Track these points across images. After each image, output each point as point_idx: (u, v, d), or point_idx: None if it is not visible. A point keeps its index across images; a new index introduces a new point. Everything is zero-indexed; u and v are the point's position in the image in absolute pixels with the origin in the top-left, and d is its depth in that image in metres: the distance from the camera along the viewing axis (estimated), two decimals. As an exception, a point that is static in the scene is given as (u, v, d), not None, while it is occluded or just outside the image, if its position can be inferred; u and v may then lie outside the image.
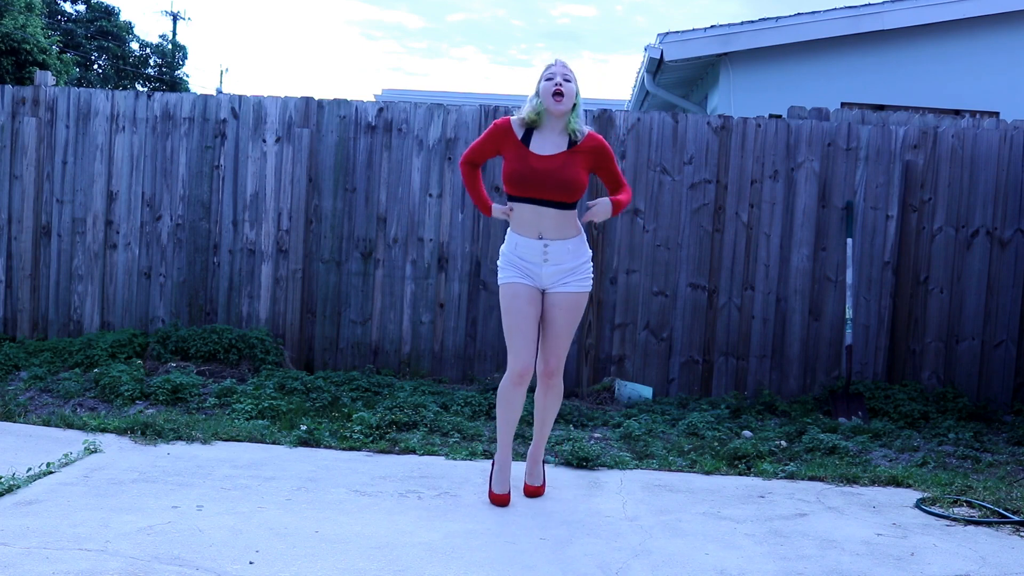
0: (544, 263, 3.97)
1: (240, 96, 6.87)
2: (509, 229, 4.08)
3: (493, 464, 4.21)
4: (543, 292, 4.04)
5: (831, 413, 6.23)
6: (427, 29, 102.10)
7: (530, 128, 3.97)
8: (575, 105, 3.95)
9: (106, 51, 26.99)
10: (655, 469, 4.98)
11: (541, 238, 3.95)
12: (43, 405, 5.78)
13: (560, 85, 3.88)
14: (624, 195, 4.07)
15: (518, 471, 4.47)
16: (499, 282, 4.07)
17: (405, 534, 3.66)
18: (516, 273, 4.01)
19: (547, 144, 3.95)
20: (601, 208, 3.97)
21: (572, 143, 3.94)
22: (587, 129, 4.02)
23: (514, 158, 3.94)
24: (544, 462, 4.42)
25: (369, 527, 3.73)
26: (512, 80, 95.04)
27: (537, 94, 3.95)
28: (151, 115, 6.85)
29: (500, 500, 4.09)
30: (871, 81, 8.64)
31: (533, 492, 4.23)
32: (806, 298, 6.58)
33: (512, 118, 4.01)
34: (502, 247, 4.11)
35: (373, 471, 4.65)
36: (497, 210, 4.08)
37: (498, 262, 4.10)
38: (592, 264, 4.11)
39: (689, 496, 4.34)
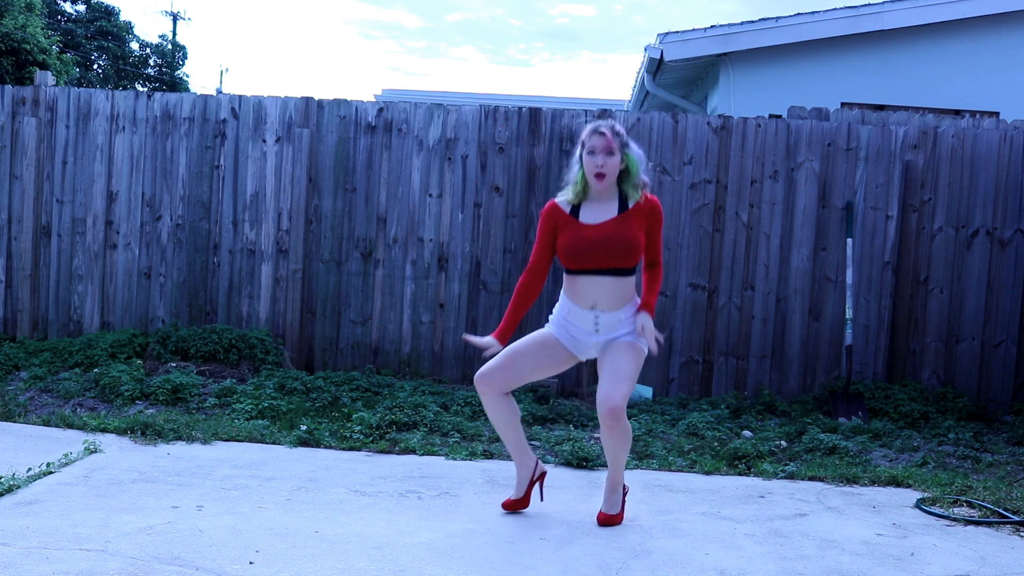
0: (595, 333, 3.86)
1: (240, 96, 6.87)
2: (562, 293, 3.92)
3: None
4: (581, 359, 3.97)
5: (831, 413, 6.23)
6: (426, 29, 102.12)
7: (577, 202, 3.86)
8: (629, 172, 3.80)
9: (106, 51, 26.99)
10: (655, 469, 4.98)
11: (594, 308, 3.83)
12: (43, 405, 5.78)
13: (602, 166, 3.74)
14: (657, 282, 3.92)
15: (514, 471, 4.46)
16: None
17: (405, 534, 3.66)
18: (560, 331, 3.92)
19: (597, 212, 3.82)
20: (648, 325, 3.82)
21: (624, 206, 3.81)
22: (644, 191, 3.86)
23: (567, 235, 3.82)
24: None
25: (369, 527, 3.73)
26: (511, 80, 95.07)
27: (580, 163, 3.80)
28: (151, 115, 6.85)
29: (503, 505, 4.07)
30: (871, 81, 8.64)
31: (602, 520, 3.92)
32: (806, 298, 6.58)
33: (556, 200, 3.88)
34: (555, 307, 3.98)
35: (373, 471, 4.65)
36: (484, 343, 3.91)
37: (549, 317, 4.01)
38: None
39: (689, 496, 4.34)
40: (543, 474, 4.11)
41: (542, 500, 4.12)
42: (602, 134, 3.74)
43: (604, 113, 6.65)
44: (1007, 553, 3.73)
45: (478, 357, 6.68)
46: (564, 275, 3.89)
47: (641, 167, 3.83)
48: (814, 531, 3.95)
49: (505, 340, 3.90)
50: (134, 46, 28.84)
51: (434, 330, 6.73)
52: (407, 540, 3.58)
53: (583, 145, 3.81)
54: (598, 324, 3.84)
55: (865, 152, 6.56)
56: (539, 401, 6.17)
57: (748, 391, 6.58)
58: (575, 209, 3.86)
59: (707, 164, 6.59)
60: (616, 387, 3.73)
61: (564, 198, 3.89)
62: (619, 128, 3.80)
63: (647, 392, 6.48)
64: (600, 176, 3.76)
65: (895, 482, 4.83)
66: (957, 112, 7.93)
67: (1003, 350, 6.56)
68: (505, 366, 3.93)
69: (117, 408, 5.70)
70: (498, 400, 3.96)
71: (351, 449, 5.11)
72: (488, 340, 3.89)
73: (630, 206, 3.82)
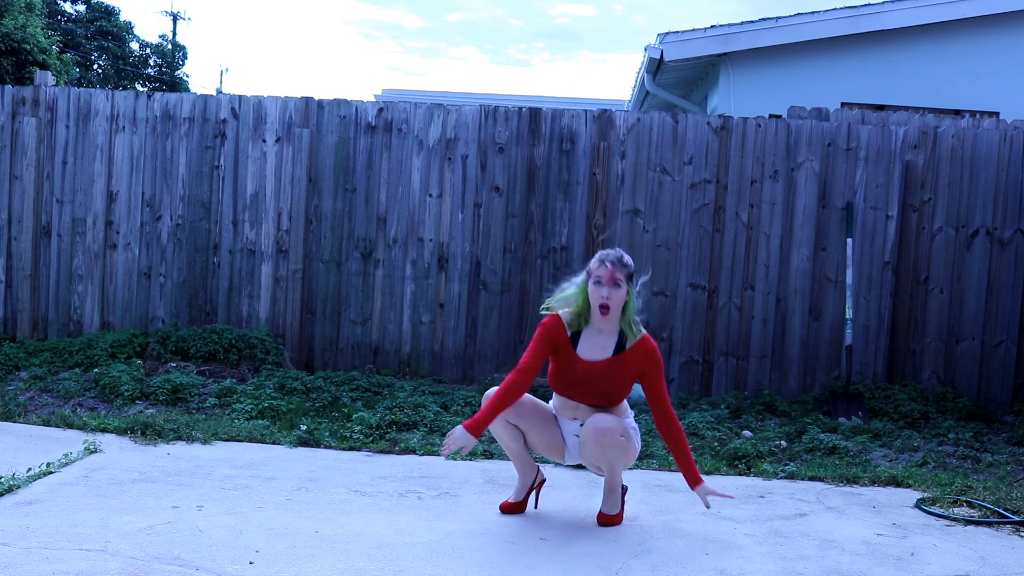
0: (576, 436, 3.88)
1: (240, 96, 6.87)
2: (553, 401, 3.98)
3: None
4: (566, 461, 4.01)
5: (831, 413, 6.23)
6: (425, 29, 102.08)
7: (577, 328, 3.83)
8: (627, 306, 3.75)
9: (106, 51, 26.98)
10: (655, 469, 4.99)
11: (575, 419, 3.88)
12: (43, 405, 5.78)
13: (607, 298, 3.70)
14: (683, 442, 3.81)
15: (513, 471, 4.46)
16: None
17: (405, 534, 3.66)
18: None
19: (594, 347, 3.79)
20: (710, 494, 3.78)
21: (620, 346, 3.78)
22: (641, 332, 3.81)
23: (560, 360, 3.81)
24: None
25: (369, 527, 3.73)
26: (511, 80, 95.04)
27: (584, 289, 3.77)
28: (151, 115, 6.85)
29: (501, 507, 4.08)
30: (871, 81, 8.64)
31: (602, 520, 3.92)
32: (806, 298, 6.58)
33: (561, 313, 3.83)
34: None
35: (373, 471, 4.65)
36: (456, 443, 3.67)
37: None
38: (636, 427, 3.94)
39: (689, 496, 4.34)
40: (543, 481, 4.12)
41: (536, 507, 4.11)
42: (611, 265, 3.70)
43: (604, 113, 6.65)
44: (1007, 553, 3.73)
45: (478, 357, 6.71)
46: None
47: (637, 303, 3.79)
48: (814, 531, 3.95)
49: (479, 434, 3.68)
50: (134, 46, 28.84)
51: (434, 330, 6.73)
52: (407, 540, 3.58)
53: (589, 273, 3.76)
54: (583, 429, 3.86)
55: (865, 152, 6.56)
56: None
57: (748, 391, 6.58)
58: (575, 336, 3.82)
59: (707, 164, 6.59)
60: (601, 418, 3.76)
61: (566, 315, 3.83)
62: (627, 259, 3.77)
63: (647, 392, 6.47)
64: (604, 308, 3.72)
65: (895, 482, 4.83)
66: (957, 112, 7.93)
67: (1003, 350, 6.56)
68: (516, 402, 3.87)
69: (117, 408, 5.70)
70: (501, 424, 3.92)
71: (351, 449, 5.11)
72: (460, 434, 3.66)
73: (627, 346, 3.78)
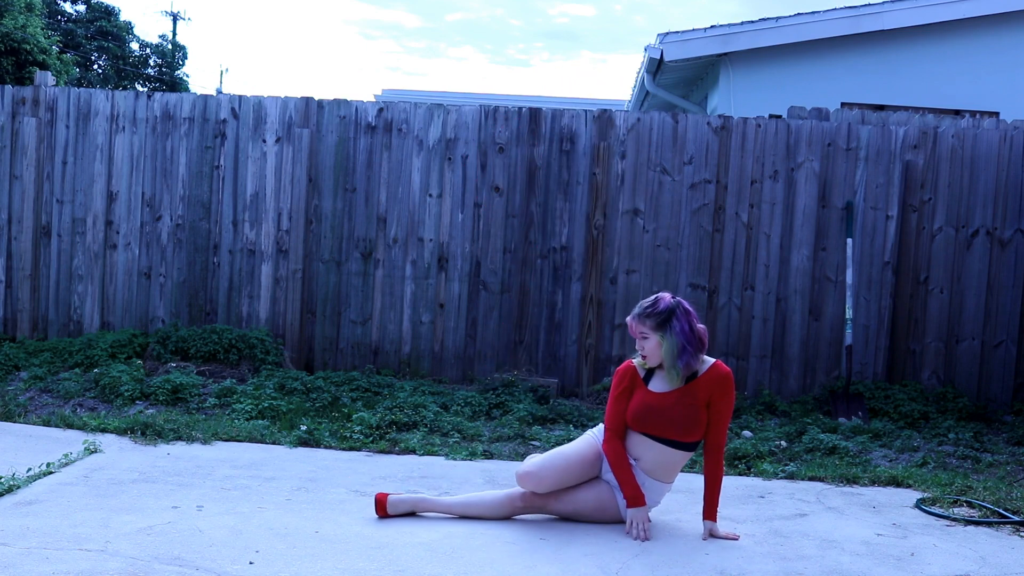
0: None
1: (240, 96, 6.88)
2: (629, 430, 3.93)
3: None
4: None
5: (831, 413, 6.23)
6: (425, 29, 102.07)
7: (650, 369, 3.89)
8: (664, 351, 3.75)
9: (106, 51, 26.98)
10: (655, 469, 4.97)
11: (636, 461, 3.84)
12: (43, 405, 5.78)
13: (642, 351, 3.79)
14: (719, 476, 3.80)
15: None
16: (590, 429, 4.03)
17: (405, 534, 3.66)
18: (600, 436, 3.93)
19: (665, 381, 3.83)
20: (716, 533, 3.78)
21: (692, 376, 3.78)
22: (710, 361, 3.82)
23: (635, 398, 3.85)
24: None
25: (369, 527, 3.73)
26: (511, 80, 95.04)
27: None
28: (151, 115, 6.86)
29: None
30: (871, 81, 8.64)
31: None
32: (806, 298, 6.58)
33: (633, 361, 3.91)
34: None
35: (373, 471, 4.65)
36: (643, 520, 3.78)
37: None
38: (656, 501, 3.92)
39: (689, 496, 4.34)
40: None
41: None
42: (632, 321, 3.78)
43: (604, 113, 6.65)
44: (1007, 553, 3.72)
45: (478, 357, 6.71)
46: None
47: (678, 349, 3.73)
48: (814, 531, 3.94)
49: (644, 501, 3.79)
50: (134, 46, 28.84)
51: (434, 330, 6.73)
52: (407, 540, 3.58)
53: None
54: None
55: (865, 152, 6.56)
56: (539, 401, 6.17)
57: (748, 391, 6.58)
58: (649, 374, 3.88)
59: (707, 164, 6.59)
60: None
61: (638, 359, 3.91)
62: (651, 308, 3.77)
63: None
64: (645, 359, 3.81)
65: (895, 482, 4.83)
66: (957, 112, 7.93)
67: (1003, 350, 6.56)
68: (560, 477, 3.85)
69: (117, 408, 5.70)
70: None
71: (351, 449, 5.11)
72: (635, 512, 3.77)
73: (699, 375, 3.78)
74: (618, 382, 3.89)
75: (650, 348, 3.77)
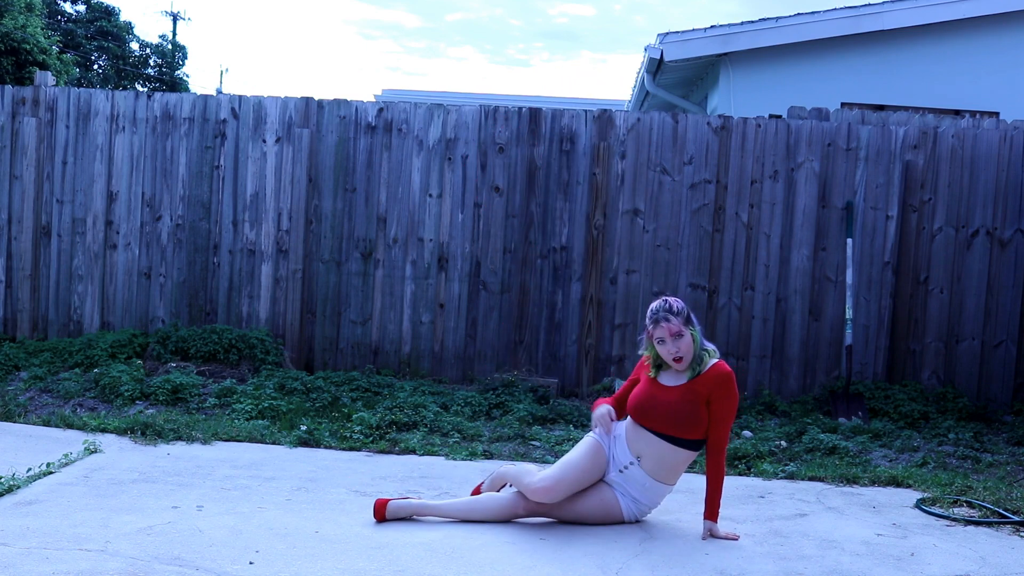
0: (619, 473, 3.88)
1: (240, 96, 6.88)
2: (625, 425, 3.96)
3: None
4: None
5: (831, 413, 6.23)
6: (425, 29, 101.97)
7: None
8: (695, 345, 3.83)
9: (106, 51, 26.99)
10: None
11: (637, 457, 3.85)
12: (43, 405, 5.78)
13: (678, 351, 3.80)
14: (720, 477, 3.82)
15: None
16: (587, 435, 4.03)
17: (405, 534, 3.66)
18: (604, 439, 3.93)
19: (675, 376, 3.88)
20: (716, 533, 3.80)
21: (696, 373, 3.84)
22: (714, 360, 3.86)
23: (643, 387, 3.92)
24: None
25: (369, 527, 3.73)
26: (511, 80, 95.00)
27: (654, 351, 3.89)
28: (151, 115, 6.86)
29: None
30: (871, 81, 8.64)
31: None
32: (806, 298, 6.58)
33: (648, 357, 3.99)
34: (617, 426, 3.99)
35: (373, 471, 4.65)
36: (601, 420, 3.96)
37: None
38: (656, 502, 3.97)
39: (689, 496, 4.34)
40: None
41: None
42: (666, 324, 3.79)
43: (604, 113, 6.65)
44: (1007, 553, 3.73)
45: (478, 357, 6.71)
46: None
47: (700, 334, 3.87)
48: (814, 531, 3.95)
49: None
50: (134, 46, 28.86)
51: (434, 330, 6.73)
52: (407, 540, 3.58)
53: (649, 336, 3.87)
54: (627, 470, 3.87)
55: (865, 152, 6.56)
56: (539, 401, 6.17)
57: (748, 391, 6.58)
58: (657, 371, 3.95)
59: (707, 164, 6.59)
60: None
61: (650, 360, 3.98)
62: (677, 307, 3.83)
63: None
64: (679, 360, 3.82)
65: (895, 482, 4.83)
66: (957, 112, 7.93)
67: (1003, 350, 6.56)
68: (572, 489, 3.85)
69: (117, 408, 5.70)
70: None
71: (351, 449, 5.11)
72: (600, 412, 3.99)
73: (701, 371, 3.83)
74: (638, 368, 4.03)
75: (686, 344, 3.81)
